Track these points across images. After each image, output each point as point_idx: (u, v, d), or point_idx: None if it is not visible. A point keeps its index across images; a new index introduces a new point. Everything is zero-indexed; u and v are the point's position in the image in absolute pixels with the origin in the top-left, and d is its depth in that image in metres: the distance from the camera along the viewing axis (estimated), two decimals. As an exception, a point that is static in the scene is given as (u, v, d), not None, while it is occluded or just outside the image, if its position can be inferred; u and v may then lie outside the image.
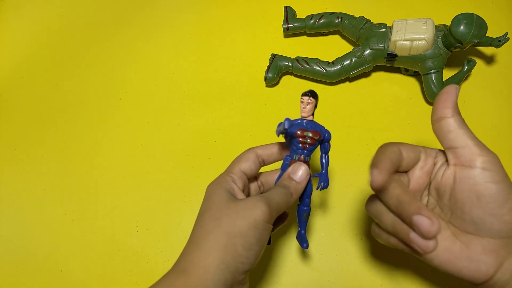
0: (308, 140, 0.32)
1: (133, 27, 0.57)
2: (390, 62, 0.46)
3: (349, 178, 0.44)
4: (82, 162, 0.48)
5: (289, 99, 0.49)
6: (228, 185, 0.31)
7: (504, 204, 0.27)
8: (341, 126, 0.47)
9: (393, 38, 0.44)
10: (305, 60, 0.48)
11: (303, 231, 0.34)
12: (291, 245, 0.41)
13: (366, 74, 0.50)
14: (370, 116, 0.47)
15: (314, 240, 0.41)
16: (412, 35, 0.43)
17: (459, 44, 0.42)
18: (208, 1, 0.58)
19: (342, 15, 0.50)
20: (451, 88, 0.29)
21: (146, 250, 0.43)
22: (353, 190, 0.43)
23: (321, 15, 0.51)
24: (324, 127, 0.33)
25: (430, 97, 0.45)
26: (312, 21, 0.51)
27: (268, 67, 0.49)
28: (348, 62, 0.46)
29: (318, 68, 0.47)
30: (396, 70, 0.49)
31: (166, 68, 0.53)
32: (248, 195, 0.34)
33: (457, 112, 0.28)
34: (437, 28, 0.44)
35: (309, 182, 0.32)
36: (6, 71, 0.56)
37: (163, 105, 0.51)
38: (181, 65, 0.53)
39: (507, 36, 0.42)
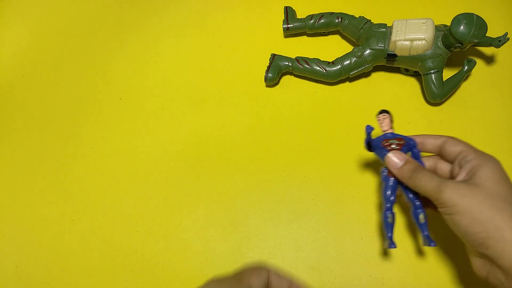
0: (394, 146, 0.35)
1: (133, 27, 0.57)
2: (390, 62, 0.46)
3: (349, 178, 0.44)
4: (82, 162, 0.48)
5: (289, 99, 0.49)
6: None
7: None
8: (341, 126, 0.47)
9: (393, 38, 0.44)
10: (305, 60, 0.48)
11: (426, 233, 0.34)
12: (290, 245, 0.42)
13: (366, 74, 0.50)
14: (370, 116, 0.47)
15: (314, 240, 0.41)
16: (412, 35, 0.43)
17: (459, 44, 0.42)
18: (208, 1, 0.58)
19: (342, 15, 0.50)
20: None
21: (146, 250, 0.43)
22: (353, 190, 0.43)
23: (321, 15, 0.51)
24: (406, 136, 0.36)
25: (430, 97, 0.45)
26: (312, 21, 0.51)
27: (268, 67, 0.49)
28: (348, 62, 0.46)
29: (318, 68, 0.47)
30: (396, 70, 0.49)
31: (166, 68, 0.53)
32: None
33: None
34: (437, 28, 0.44)
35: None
36: (6, 71, 0.56)
37: (163, 105, 0.51)
38: (181, 65, 0.53)
39: (507, 36, 0.42)
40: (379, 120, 0.37)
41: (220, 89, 0.51)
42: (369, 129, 0.37)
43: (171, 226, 0.44)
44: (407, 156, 0.34)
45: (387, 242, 0.34)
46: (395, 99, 0.48)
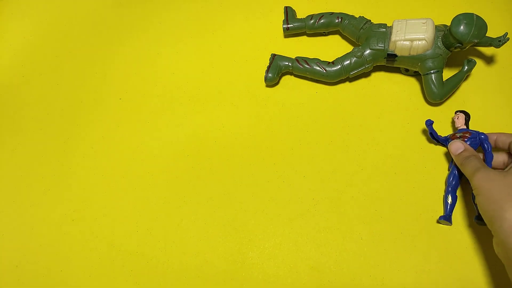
0: (462, 139, 0.41)
1: (133, 27, 0.57)
2: (390, 62, 0.46)
3: (349, 178, 0.44)
4: (82, 162, 0.48)
5: (289, 99, 0.49)
6: None
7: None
8: (341, 126, 0.47)
9: (393, 38, 0.44)
10: (305, 60, 0.48)
11: (478, 213, 0.39)
12: (290, 245, 0.42)
13: (366, 74, 0.50)
14: (370, 116, 0.47)
15: (314, 240, 0.41)
16: (412, 35, 0.43)
17: (459, 44, 0.42)
18: (208, 1, 0.58)
19: (342, 15, 0.50)
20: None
21: (146, 250, 0.43)
22: (353, 190, 0.43)
23: (321, 15, 0.51)
24: (477, 131, 0.41)
25: (430, 97, 0.45)
26: (312, 21, 0.51)
27: (268, 67, 0.49)
28: (348, 62, 0.46)
29: (318, 68, 0.47)
30: (396, 70, 0.49)
31: (166, 68, 0.53)
32: None
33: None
34: (437, 28, 0.44)
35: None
36: (6, 71, 0.56)
37: (163, 105, 0.51)
38: (181, 65, 0.53)
39: (507, 36, 0.42)
40: (454, 118, 0.43)
41: (220, 89, 0.51)
42: (428, 122, 0.42)
43: (171, 226, 0.44)
44: (467, 146, 0.39)
45: (445, 219, 0.40)
46: (395, 99, 0.48)
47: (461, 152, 0.39)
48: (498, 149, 0.40)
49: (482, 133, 0.41)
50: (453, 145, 0.40)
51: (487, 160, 0.40)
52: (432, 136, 0.43)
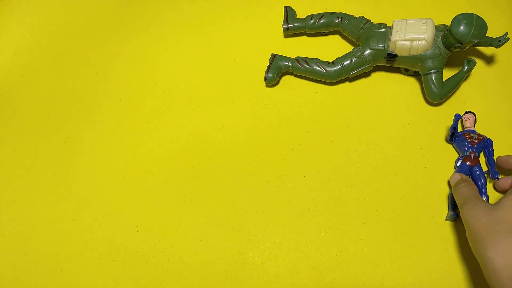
0: (475, 140, 0.42)
1: (133, 27, 0.57)
2: (390, 62, 0.46)
3: (349, 178, 0.44)
4: (82, 162, 0.48)
5: (289, 99, 0.49)
6: None
7: None
8: (341, 126, 0.47)
9: (393, 38, 0.44)
10: (305, 60, 0.48)
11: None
12: (290, 245, 0.42)
13: (366, 74, 0.50)
14: (370, 116, 0.47)
15: (314, 240, 0.41)
16: (412, 35, 0.43)
17: (459, 44, 0.42)
18: (208, 1, 0.58)
19: (342, 15, 0.50)
20: None
21: (146, 250, 0.43)
22: (353, 190, 0.43)
23: (321, 15, 0.51)
24: (486, 136, 0.43)
25: (430, 97, 0.45)
26: (312, 21, 0.51)
27: (268, 67, 0.49)
28: (348, 62, 0.46)
29: (318, 68, 0.47)
30: (396, 70, 0.49)
31: (166, 68, 0.53)
32: None
33: None
34: (437, 28, 0.44)
35: (483, 176, 0.41)
36: (6, 71, 0.56)
37: (163, 105, 0.51)
38: (181, 65, 0.53)
39: (507, 36, 0.42)
40: (464, 118, 0.44)
41: (220, 89, 0.51)
42: (458, 116, 0.43)
43: (171, 226, 0.44)
44: (464, 176, 0.40)
45: (449, 214, 0.40)
46: (395, 99, 0.48)
47: (456, 181, 0.40)
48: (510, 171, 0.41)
49: (489, 139, 0.43)
50: (452, 177, 0.41)
51: (491, 165, 0.42)
52: (453, 129, 0.43)
